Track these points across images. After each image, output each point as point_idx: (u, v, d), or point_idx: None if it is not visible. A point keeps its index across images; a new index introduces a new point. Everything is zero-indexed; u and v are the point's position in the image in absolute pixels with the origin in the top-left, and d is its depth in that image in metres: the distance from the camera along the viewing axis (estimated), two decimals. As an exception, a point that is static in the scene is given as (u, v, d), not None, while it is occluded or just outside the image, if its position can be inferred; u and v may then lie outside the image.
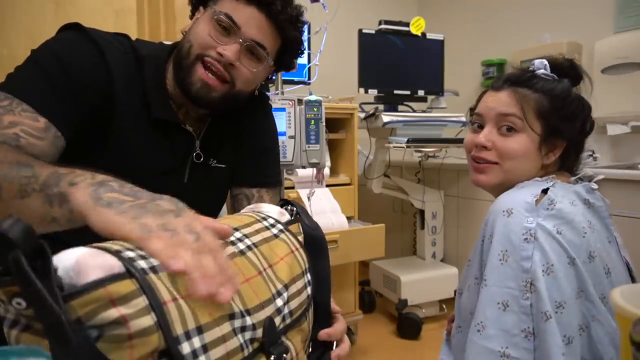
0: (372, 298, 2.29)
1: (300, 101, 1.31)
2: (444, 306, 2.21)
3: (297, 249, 0.61)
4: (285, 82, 1.88)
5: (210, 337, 0.40)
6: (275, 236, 0.59)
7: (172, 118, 0.81)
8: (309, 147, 1.31)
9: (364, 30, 2.11)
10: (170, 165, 0.83)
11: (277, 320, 0.51)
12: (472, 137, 0.86)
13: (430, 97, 2.33)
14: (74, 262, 0.33)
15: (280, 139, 1.27)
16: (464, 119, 2.16)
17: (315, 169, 1.52)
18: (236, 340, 0.44)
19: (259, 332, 0.48)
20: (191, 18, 0.83)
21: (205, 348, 0.39)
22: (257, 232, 0.57)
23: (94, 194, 0.45)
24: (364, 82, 2.11)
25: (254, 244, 0.54)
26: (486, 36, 2.66)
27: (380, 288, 2.24)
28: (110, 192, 0.45)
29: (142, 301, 0.35)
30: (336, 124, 1.95)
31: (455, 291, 2.14)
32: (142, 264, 0.37)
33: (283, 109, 1.30)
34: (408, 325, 2.00)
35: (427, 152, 2.23)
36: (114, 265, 0.35)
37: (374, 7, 2.92)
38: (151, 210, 0.43)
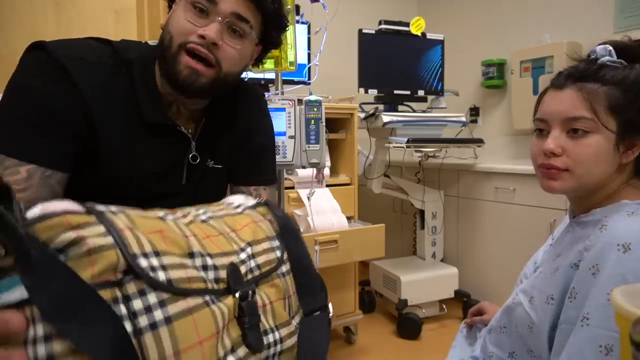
0: (372, 298, 2.29)
1: (300, 101, 1.31)
2: (444, 306, 2.21)
3: (261, 220, 0.64)
4: (285, 82, 1.88)
5: (168, 261, 0.43)
6: (240, 213, 0.63)
7: (164, 120, 0.79)
8: (309, 147, 1.31)
9: (364, 30, 2.11)
10: (166, 168, 0.82)
11: (243, 268, 0.53)
12: (539, 144, 0.76)
13: (430, 97, 2.33)
14: (40, 208, 0.37)
15: (280, 139, 1.27)
16: (464, 119, 2.16)
17: (315, 169, 1.53)
18: (196, 272, 0.46)
19: (222, 274, 0.49)
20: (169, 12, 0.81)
21: (164, 267, 0.42)
22: (222, 209, 0.61)
23: None
24: (364, 82, 2.11)
25: (218, 216, 0.58)
26: (486, 36, 2.66)
27: (380, 288, 2.24)
28: None
29: (99, 228, 0.38)
30: (336, 124, 1.95)
31: (455, 291, 2.15)
32: (101, 207, 0.41)
33: (283, 109, 1.30)
34: (408, 325, 2.00)
35: (427, 152, 2.23)
36: (74, 206, 0.39)
37: (374, 7, 2.92)
38: None
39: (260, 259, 0.58)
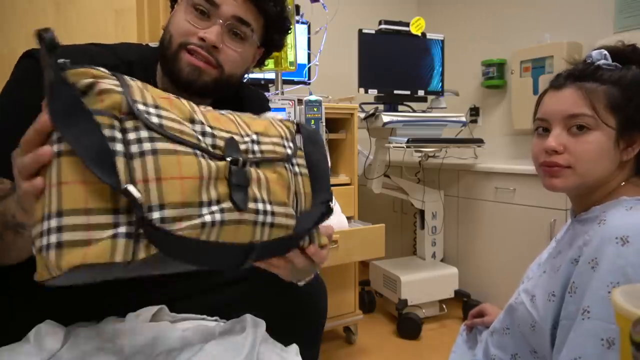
0: (372, 298, 2.29)
1: (300, 101, 1.31)
2: (444, 306, 2.21)
3: (280, 125, 0.66)
4: (285, 82, 1.88)
5: (165, 114, 0.51)
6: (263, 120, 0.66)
7: None
8: (309, 147, 1.31)
9: (364, 30, 2.11)
10: None
11: (242, 146, 0.57)
12: (540, 143, 0.78)
13: (430, 97, 2.33)
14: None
15: (281, 139, 1.27)
16: (464, 119, 2.16)
17: (315, 169, 1.52)
18: (192, 132, 0.52)
19: (220, 142, 0.54)
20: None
21: (159, 116, 0.50)
22: (246, 114, 0.65)
23: None
24: (364, 82, 2.11)
25: (238, 116, 0.62)
26: (486, 36, 2.66)
27: (380, 288, 2.24)
28: None
29: (114, 80, 0.49)
30: (336, 124, 1.95)
31: (455, 291, 2.15)
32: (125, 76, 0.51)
33: (283, 109, 1.30)
34: (408, 325, 2.00)
35: (427, 152, 2.23)
36: (104, 69, 0.50)
37: (374, 7, 2.92)
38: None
39: (265, 147, 0.60)
